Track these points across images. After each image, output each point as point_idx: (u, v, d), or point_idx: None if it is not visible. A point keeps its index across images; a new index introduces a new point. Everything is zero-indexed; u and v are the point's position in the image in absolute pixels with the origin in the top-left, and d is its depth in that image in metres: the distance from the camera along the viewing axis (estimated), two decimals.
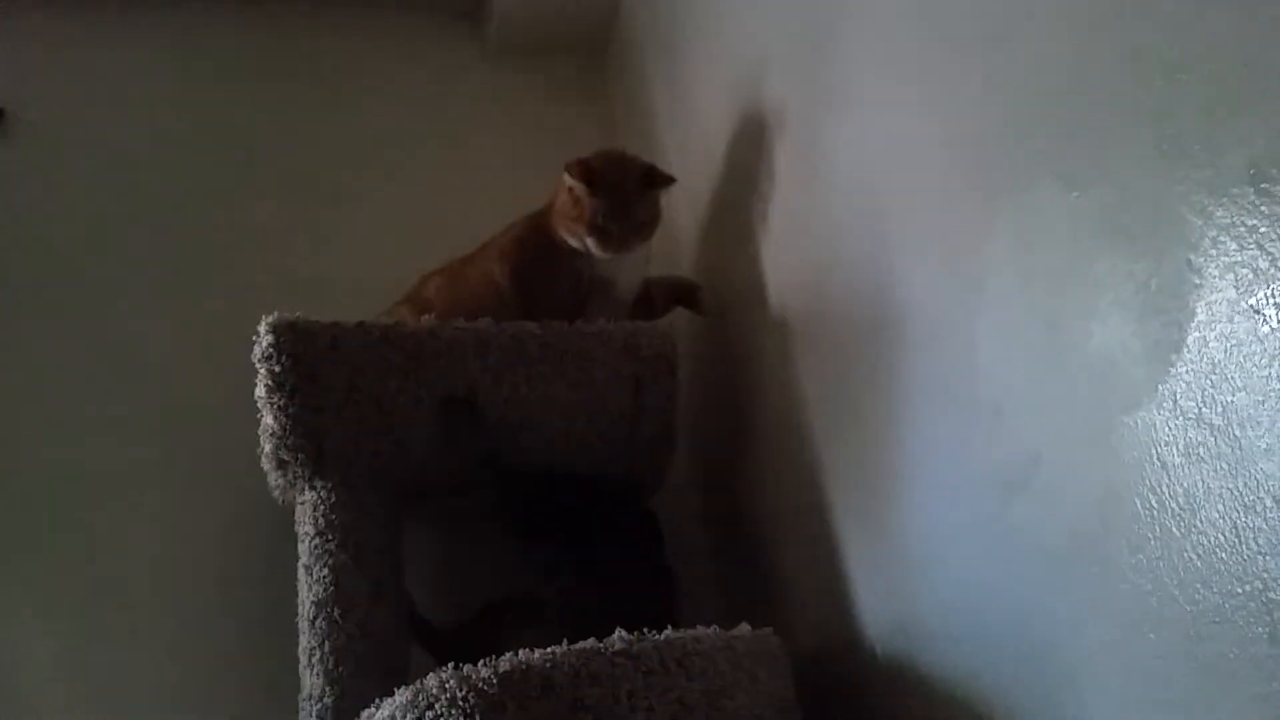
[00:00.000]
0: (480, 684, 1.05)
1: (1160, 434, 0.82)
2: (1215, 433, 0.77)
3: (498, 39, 2.12)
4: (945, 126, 1.08)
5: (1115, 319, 0.87)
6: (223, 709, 1.45)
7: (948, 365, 1.09)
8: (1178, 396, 0.81)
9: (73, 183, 1.79)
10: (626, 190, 1.44)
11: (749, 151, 1.52)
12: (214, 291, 1.72)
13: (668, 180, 1.48)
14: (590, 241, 1.43)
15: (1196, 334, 0.79)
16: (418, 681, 1.09)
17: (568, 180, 1.44)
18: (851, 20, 1.24)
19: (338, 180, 1.90)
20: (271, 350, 1.34)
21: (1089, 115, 0.89)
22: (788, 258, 1.44)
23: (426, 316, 1.46)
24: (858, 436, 1.26)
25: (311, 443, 1.36)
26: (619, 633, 1.11)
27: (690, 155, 1.76)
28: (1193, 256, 0.78)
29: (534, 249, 1.51)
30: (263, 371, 1.35)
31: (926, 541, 1.14)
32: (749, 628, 1.20)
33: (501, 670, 1.06)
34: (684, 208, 1.77)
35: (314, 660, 1.29)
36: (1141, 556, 0.85)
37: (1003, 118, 0.99)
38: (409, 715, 1.06)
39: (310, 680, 1.28)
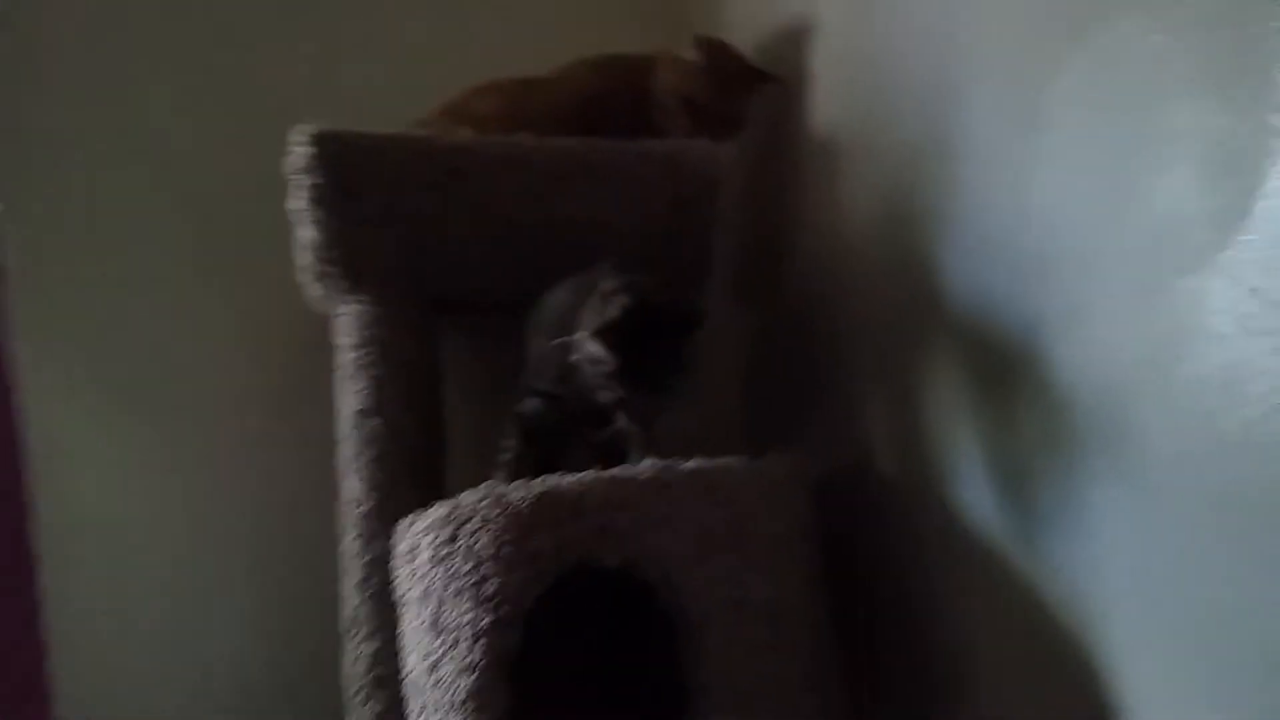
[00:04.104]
0: (513, 505, 1.09)
1: (1214, 302, 0.80)
2: (1272, 308, 0.74)
3: None
4: None
5: (1182, 176, 0.83)
6: (268, 508, 1.52)
7: (999, 204, 1.05)
8: (1237, 266, 0.77)
9: None
10: (729, 76, 1.45)
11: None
12: (247, 92, 1.65)
13: (769, 78, 1.48)
14: (681, 118, 1.44)
15: (1265, 202, 0.75)
16: (455, 498, 1.13)
17: (691, 48, 1.44)
18: None
19: None
20: (309, 162, 1.32)
21: None
22: (838, 69, 1.38)
23: (465, 132, 1.42)
24: (895, 257, 1.24)
25: (349, 256, 1.36)
26: (649, 462, 1.14)
27: None
28: (1275, 119, 0.73)
29: (616, 87, 1.49)
30: (299, 184, 1.33)
31: None
32: (776, 456, 1.22)
33: (535, 493, 1.09)
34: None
35: (354, 468, 1.34)
36: (1173, 423, 0.84)
37: None
38: (444, 530, 1.11)
39: (351, 485, 1.34)
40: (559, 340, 1.16)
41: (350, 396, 1.36)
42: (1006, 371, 1.04)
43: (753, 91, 1.48)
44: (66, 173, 1.55)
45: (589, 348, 1.10)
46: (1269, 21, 0.74)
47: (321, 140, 1.33)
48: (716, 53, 1.45)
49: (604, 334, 1.08)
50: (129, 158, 1.58)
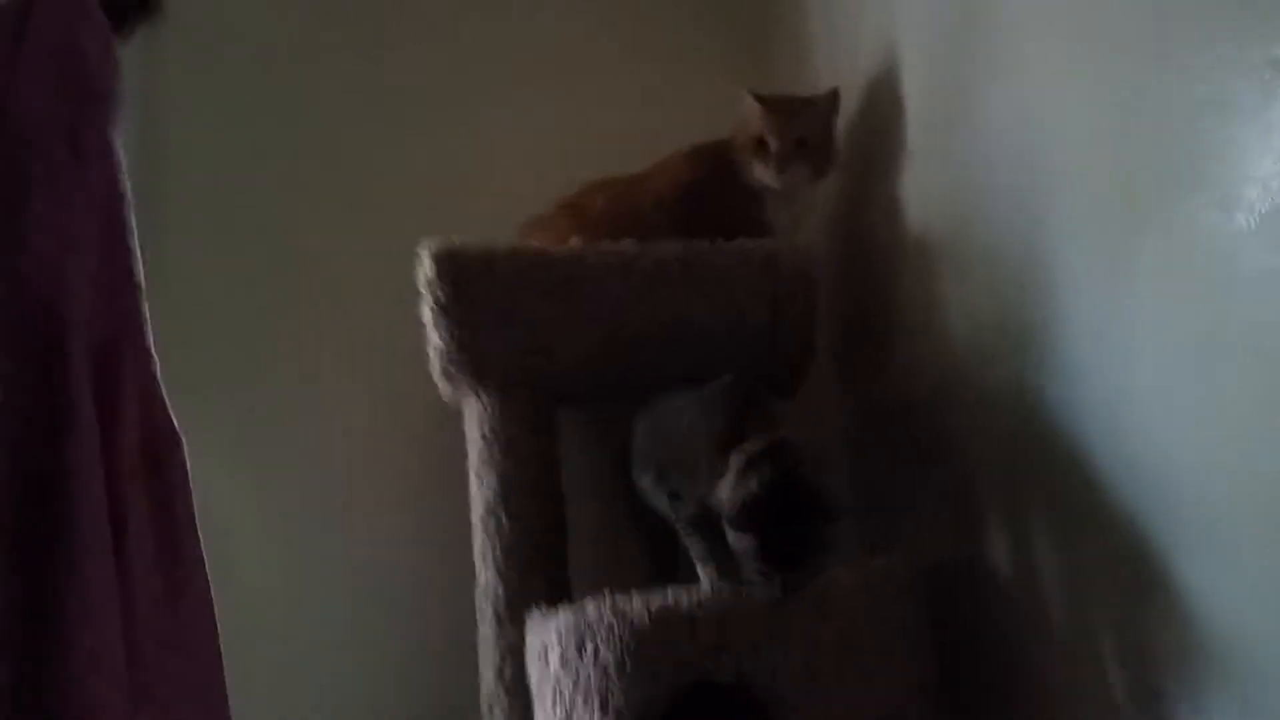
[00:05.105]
0: (634, 619, 1.18)
1: None
2: None
3: None
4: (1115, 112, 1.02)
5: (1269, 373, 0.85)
6: (411, 591, 1.66)
7: (1096, 363, 1.08)
8: None
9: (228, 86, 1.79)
10: (793, 106, 1.51)
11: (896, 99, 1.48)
12: (383, 198, 1.78)
13: (826, 98, 1.52)
14: (758, 167, 1.49)
15: None
16: (579, 606, 1.23)
17: (743, 102, 1.51)
18: None
19: (496, 87, 1.87)
20: (433, 276, 1.43)
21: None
22: (932, 184, 1.41)
23: (574, 239, 1.50)
24: (998, 375, 1.27)
25: (473, 359, 1.46)
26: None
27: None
28: None
29: (708, 173, 1.56)
30: (426, 295, 1.44)
31: None
32: (882, 561, 1.29)
33: (654, 609, 1.19)
34: None
35: (486, 557, 1.45)
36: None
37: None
38: (571, 638, 1.22)
39: (484, 574, 1.46)
40: (695, 487, 1.21)
41: (479, 489, 1.48)
42: (1127, 554, 1.05)
43: (820, 116, 1.52)
44: (217, 278, 1.71)
45: (732, 532, 1.13)
46: None
47: (442, 256, 1.44)
48: (768, 96, 1.51)
49: (745, 510, 1.11)
50: (273, 264, 1.74)
